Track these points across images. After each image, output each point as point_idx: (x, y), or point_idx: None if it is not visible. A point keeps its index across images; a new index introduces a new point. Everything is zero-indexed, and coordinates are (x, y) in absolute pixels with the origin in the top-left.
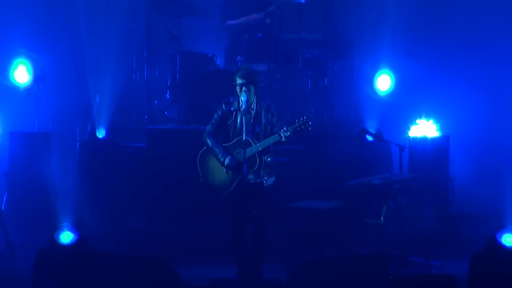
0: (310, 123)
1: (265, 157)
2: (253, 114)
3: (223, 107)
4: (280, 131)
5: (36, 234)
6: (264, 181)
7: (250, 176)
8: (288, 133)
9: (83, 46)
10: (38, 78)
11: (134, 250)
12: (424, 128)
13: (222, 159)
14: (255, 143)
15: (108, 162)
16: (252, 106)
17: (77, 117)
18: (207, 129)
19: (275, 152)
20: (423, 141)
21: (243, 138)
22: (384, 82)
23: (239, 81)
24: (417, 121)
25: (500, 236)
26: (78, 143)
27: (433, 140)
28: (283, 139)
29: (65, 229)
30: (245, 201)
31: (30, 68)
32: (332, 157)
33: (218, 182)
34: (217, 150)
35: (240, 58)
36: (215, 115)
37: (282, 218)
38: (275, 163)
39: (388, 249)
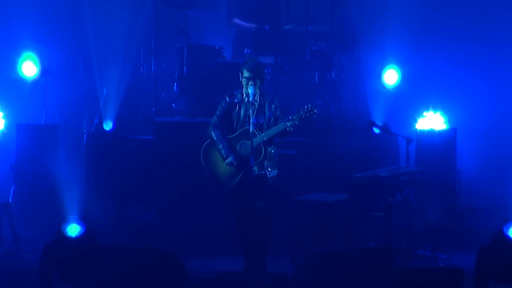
0: (315, 110)
1: (269, 148)
2: (256, 106)
3: (227, 99)
4: (286, 120)
5: (43, 226)
6: (268, 173)
7: (254, 168)
8: (294, 121)
9: (90, 39)
10: (45, 70)
11: (141, 242)
12: (432, 121)
13: (225, 156)
14: (259, 134)
15: (115, 155)
16: (256, 98)
17: (84, 109)
18: (213, 121)
19: (282, 144)
20: (430, 133)
21: (250, 130)
22: (391, 77)
23: (246, 74)
24: (425, 113)
25: (508, 229)
26: (85, 135)
27: (441, 132)
28: (288, 127)
29: (72, 221)
30: (250, 193)
31: (38, 60)
32: (339, 150)
33: (223, 175)
34: (221, 145)
35: (247, 50)
36: (219, 107)
37: (288, 210)
38: (278, 155)
39: (394, 242)
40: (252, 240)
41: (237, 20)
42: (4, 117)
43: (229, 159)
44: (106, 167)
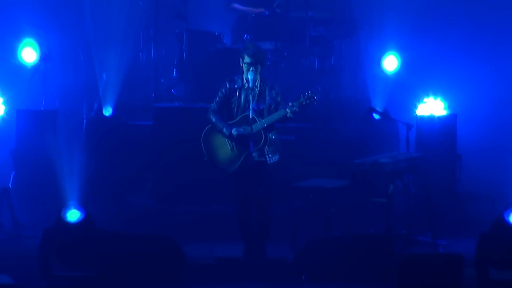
0: (315, 97)
1: (270, 134)
2: (257, 92)
3: (227, 85)
4: (286, 106)
5: (43, 212)
6: (268, 159)
7: (254, 154)
8: (294, 108)
9: (90, 25)
10: (45, 56)
11: (140, 228)
12: (432, 107)
13: (227, 133)
14: (259, 120)
15: (114, 140)
16: (256, 83)
17: (84, 95)
18: (211, 107)
19: (281, 130)
20: (431, 119)
21: (250, 116)
22: (391, 63)
23: (247, 59)
24: (425, 99)
25: (508, 215)
26: (85, 121)
27: (441, 118)
28: (289, 114)
29: (72, 207)
30: (250, 179)
31: (37, 46)
32: (339, 136)
33: (224, 160)
34: (221, 125)
35: (247, 36)
36: (219, 93)
37: (288, 196)
38: (279, 141)
39: (395, 228)
40: (252, 226)
41: (236, 5)
42: (4, 103)
43: (234, 131)
44: (106, 152)
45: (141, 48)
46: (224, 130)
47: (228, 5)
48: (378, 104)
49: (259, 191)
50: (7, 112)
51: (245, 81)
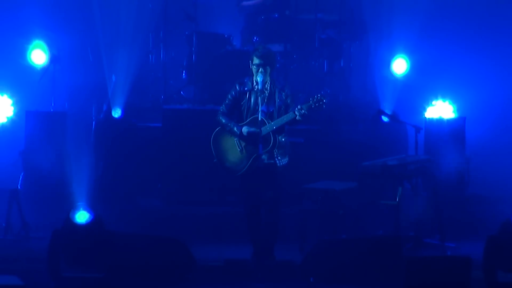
0: (324, 100)
1: (279, 137)
2: (267, 94)
3: (237, 87)
4: (295, 109)
5: (52, 213)
6: (278, 161)
7: (264, 156)
8: (303, 111)
9: (99, 27)
10: (54, 58)
11: (149, 229)
12: (441, 109)
13: (238, 131)
14: (269, 123)
15: (123, 142)
16: (266, 86)
17: (93, 97)
18: (221, 109)
19: (290, 132)
20: (439, 122)
21: (259, 118)
22: (400, 66)
23: (256, 61)
24: (434, 102)
25: None
26: (94, 123)
27: (449, 121)
28: (298, 117)
29: (81, 208)
30: (259, 181)
31: (47, 48)
32: (348, 138)
33: (233, 162)
34: (231, 124)
35: (256, 38)
36: (229, 95)
37: (297, 198)
38: (288, 143)
39: (403, 230)
40: (260, 228)
41: (245, 3)
42: (13, 104)
43: (244, 129)
44: (115, 154)
45: (150, 50)
46: (235, 129)
47: (238, 5)
48: (387, 106)
49: (268, 193)
50: (16, 114)
51: (255, 83)
